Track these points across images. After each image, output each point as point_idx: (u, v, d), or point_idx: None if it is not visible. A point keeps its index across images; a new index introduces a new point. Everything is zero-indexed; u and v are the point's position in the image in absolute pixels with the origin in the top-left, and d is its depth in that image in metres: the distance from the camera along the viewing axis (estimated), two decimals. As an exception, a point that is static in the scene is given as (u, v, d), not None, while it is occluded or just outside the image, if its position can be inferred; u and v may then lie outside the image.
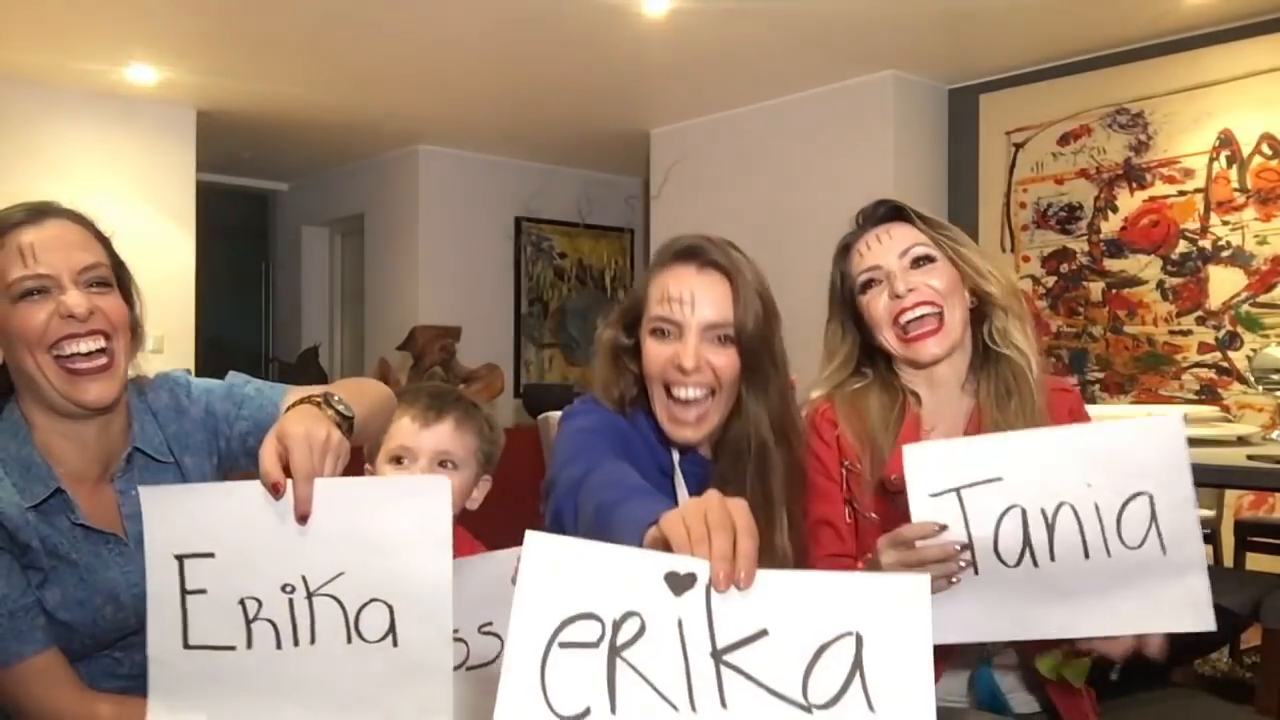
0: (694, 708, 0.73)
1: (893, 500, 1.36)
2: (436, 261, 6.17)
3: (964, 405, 1.48)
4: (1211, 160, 4.10)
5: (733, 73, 4.73)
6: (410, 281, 6.20)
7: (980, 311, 1.47)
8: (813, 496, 1.44)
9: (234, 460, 1.37)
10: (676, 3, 3.83)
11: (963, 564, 1.17)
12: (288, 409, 1.15)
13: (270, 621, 1.02)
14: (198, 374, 1.44)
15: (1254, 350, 3.33)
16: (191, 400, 1.36)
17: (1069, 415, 1.50)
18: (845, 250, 1.51)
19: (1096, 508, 1.15)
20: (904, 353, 1.45)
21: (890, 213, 1.49)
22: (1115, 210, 4.38)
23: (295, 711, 1.04)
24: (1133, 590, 1.17)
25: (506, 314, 6.53)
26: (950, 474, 1.16)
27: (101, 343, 1.22)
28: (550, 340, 6.75)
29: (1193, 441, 2.50)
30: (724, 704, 0.73)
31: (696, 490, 1.31)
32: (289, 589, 1.02)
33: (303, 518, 1.00)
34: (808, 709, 0.73)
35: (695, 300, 1.32)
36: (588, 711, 0.74)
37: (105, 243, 1.29)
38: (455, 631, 1.06)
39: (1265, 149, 3.97)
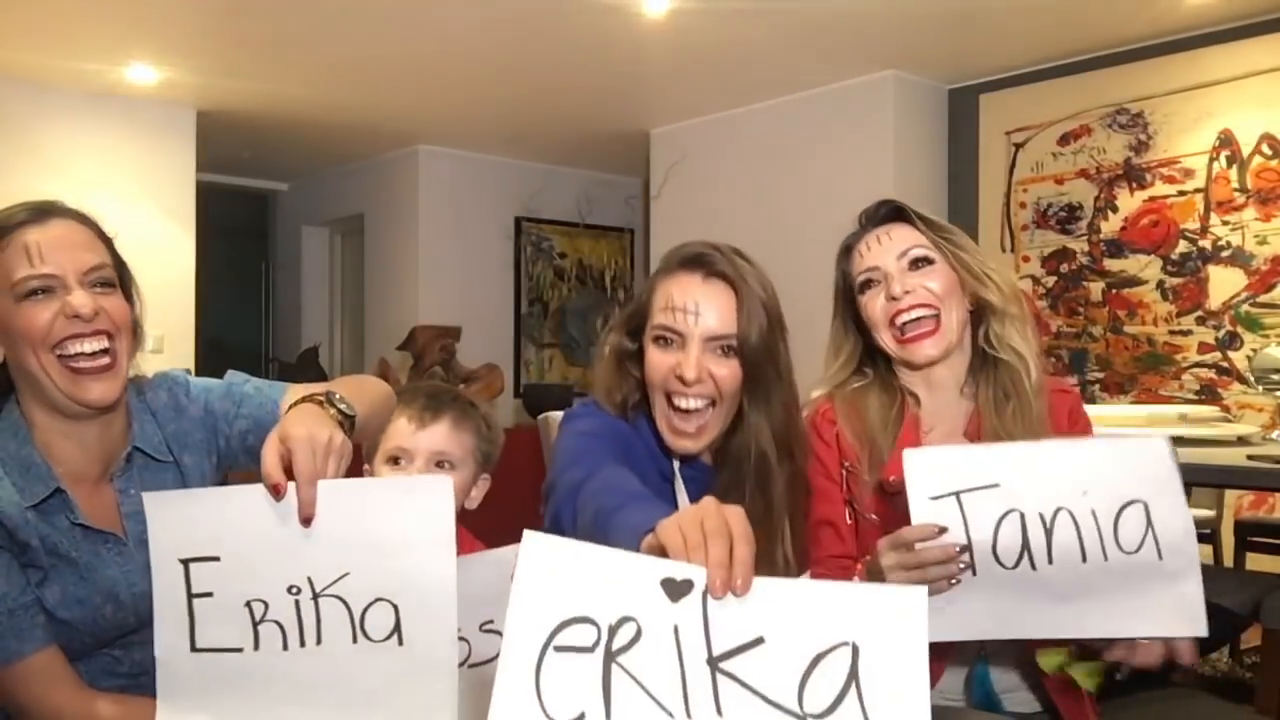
0: (689, 715, 0.73)
1: (892, 501, 1.36)
2: (436, 261, 6.17)
3: (963, 408, 1.48)
4: (1211, 160, 4.10)
5: (733, 73, 4.73)
6: (410, 281, 6.20)
7: (978, 315, 1.47)
8: (813, 497, 1.44)
9: (233, 459, 1.37)
10: (676, 3, 3.83)
11: (962, 565, 1.18)
12: (289, 407, 1.15)
13: (277, 623, 1.03)
14: (198, 374, 1.44)
15: (1254, 350, 3.33)
16: (190, 399, 1.36)
17: (1068, 417, 1.50)
18: (847, 251, 1.52)
19: (1094, 513, 1.16)
20: (900, 354, 1.45)
21: (891, 214, 1.49)
22: (1115, 210, 4.38)
23: (302, 711, 1.05)
24: (1128, 595, 1.18)
25: (506, 314, 6.53)
26: (950, 478, 1.17)
27: (105, 343, 1.22)
28: (550, 340, 6.75)
29: (1193, 441, 2.52)
30: (719, 711, 0.73)
31: (697, 497, 1.31)
32: (294, 590, 1.02)
33: (306, 520, 1.00)
34: (803, 718, 0.73)
35: (699, 310, 1.32)
36: (582, 717, 0.74)
37: (108, 243, 1.29)
38: (457, 630, 1.07)
39: (1265, 149, 3.97)
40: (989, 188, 4.80)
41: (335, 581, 1.02)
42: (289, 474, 1.01)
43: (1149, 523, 1.15)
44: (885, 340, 1.46)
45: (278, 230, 7.56)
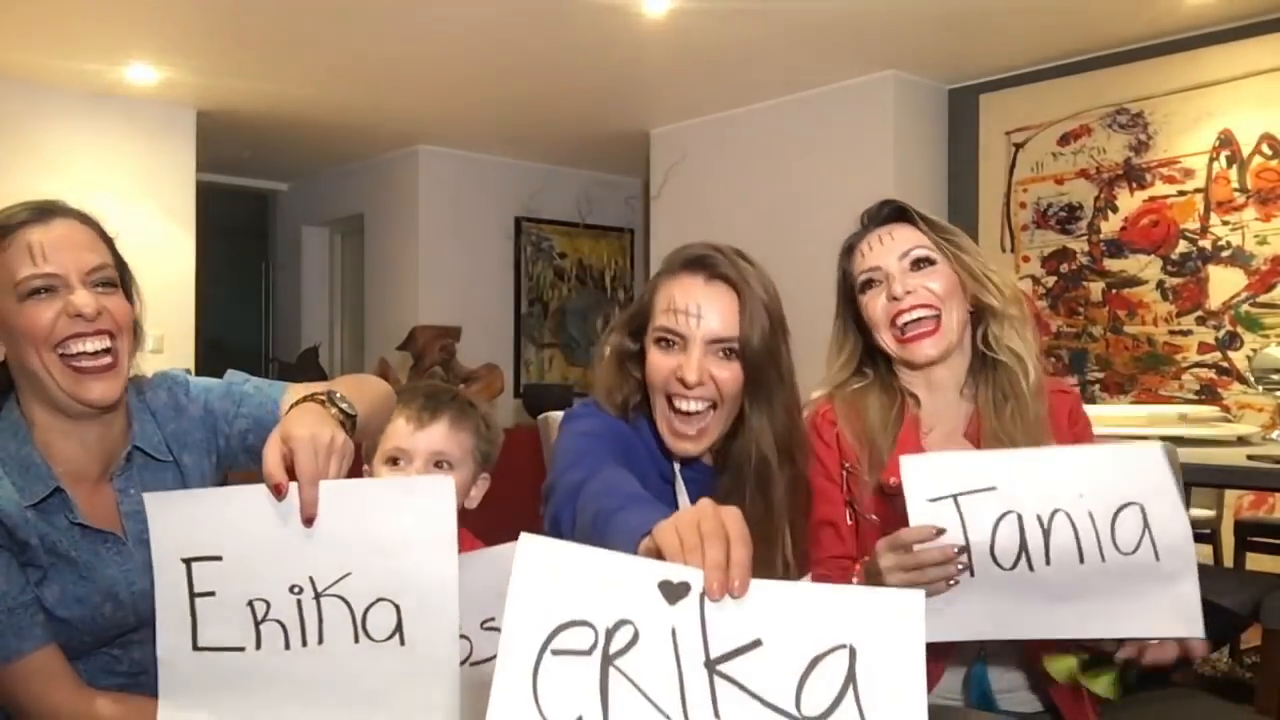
0: (687, 718, 0.73)
1: (891, 502, 1.36)
2: (436, 261, 6.17)
3: (963, 409, 1.48)
4: (1211, 160, 4.10)
5: (733, 73, 4.73)
6: (410, 281, 6.20)
7: (978, 316, 1.47)
8: (814, 498, 1.44)
9: (233, 458, 1.38)
10: (676, 3, 3.83)
11: (960, 567, 1.18)
12: (291, 407, 1.15)
13: (279, 622, 1.03)
14: (198, 374, 1.44)
15: (1254, 350, 3.33)
16: (190, 399, 1.36)
17: (1068, 417, 1.51)
18: (849, 250, 1.52)
19: (1090, 515, 1.17)
20: (900, 353, 1.46)
21: (894, 214, 1.49)
22: (1115, 210, 4.38)
23: (304, 710, 1.05)
24: (1126, 596, 1.19)
25: (506, 314, 6.53)
26: (947, 482, 1.18)
27: (107, 342, 1.23)
28: (550, 340, 6.75)
29: (1193, 441, 2.51)
30: (717, 714, 0.73)
31: (698, 498, 1.31)
32: (296, 590, 1.03)
33: (309, 520, 1.01)
34: None
35: (701, 312, 1.31)
36: None
37: (109, 243, 1.29)
38: (459, 629, 1.07)
39: (1265, 149, 3.97)
40: (989, 188, 4.80)
41: (337, 581, 1.03)
42: (291, 474, 1.01)
43: (1146, 524, 1.16)
44: (885, 340, 1.46)
45: (278, 230, 7.56)
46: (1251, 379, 3.04)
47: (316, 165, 6.74)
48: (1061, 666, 1.30)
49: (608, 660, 0.74)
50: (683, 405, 1.33)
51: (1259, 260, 3.98)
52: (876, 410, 1.46)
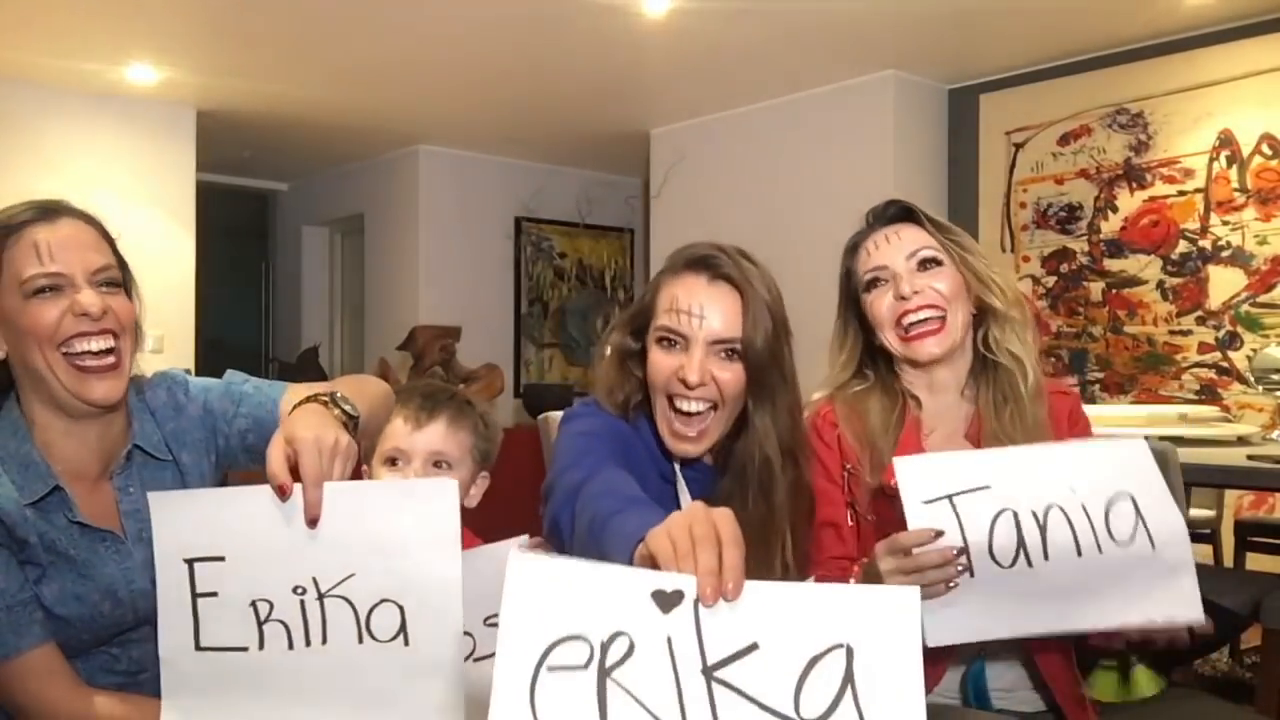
0: None
1: (892, 504, 1.36)
2: (436, 261, 6.17)
3: (963, 410, 1.48)
4: (1211, 160, 4.10)
5: (733, 73, 4.73)
6: (410, 281, 6.20)
7: (980, 318, 1.47)
8: (815, 499, 1.44)
9: (232, 458, 1.38)
10: (676, 3, 3.84)
11: (960, 568, 1.18)
12: (294, 407, 1.15)
13: (282, 623, 1.04)
14: (198, 374, 1.45)
15: (1254, 350, 3.33)
16: (189, 398, 1.37)
17: (1068, 419, 1.51)
18: (854, 247, 1.52)
19: (1085, 508, 1.18)
20: (903, 351, 1.45)
21: (900, 213, 1.49)
22: (1115, 210, 4.38)
23: (308, 711, 1.06)
24: (1125, 586, 1.20)
25: (506, 314, 6.53)
26: (942, 483, 1.19)
27: (111, 342, 1.23)
28: (550, 340, 6.75)
29: (1193, 441, 2.51)
30: None
31: (699, 497, 1.31)
32: (300, 591, 1.03)
33: (313, 522, 1.01)
34: None
35: (704, 313, 1.31)
36: None
37: (112, 243, 1.30)
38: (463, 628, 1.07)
39: (1265, 149, 3.97)
40: (989, 188, 4.80)
41: (340, 582, 1.03)
42: (295, 475, 1.01)
43: (1139, 515, 1.18)
44: (889, 338, 1.46)
45: (278, 230, 7.56)
46: (1251, 379, 3.04)
47: (316, 165, 6.74)
48: (1107, 686, 1.33)
49: (604, 673, 0.73)
50: (684, 405, 1.32)
51: (1259, 260, 3.98)
52: (878, 413, 1.46)
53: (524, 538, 1.39)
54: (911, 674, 0.72)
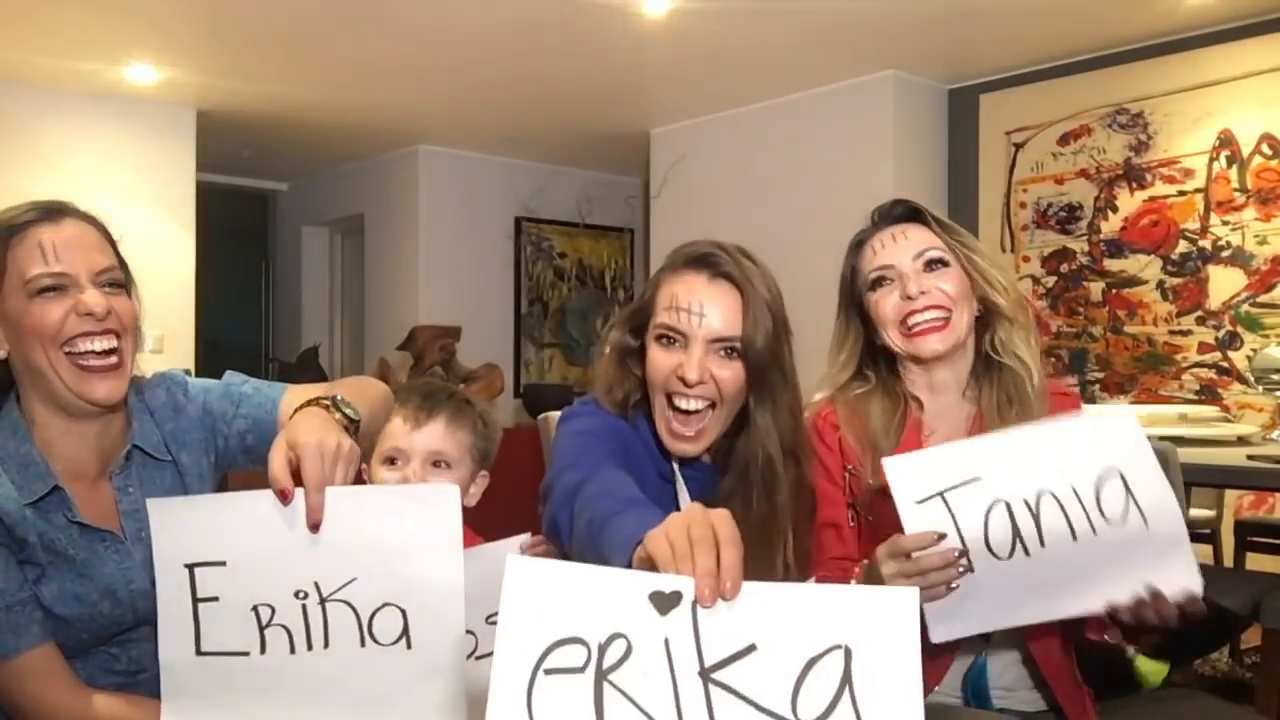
0: None
1: (892, 505, 1.36)
2: (436, 261, 6.17)
3: (965, 411, 1.48)
4: (1211, 160, 4.09)
5: (733, 73, 4.73)
6: (410, 281, 6.20)
7: (984, 320, 1.47)
8: (816, 500, 1.44)
9: (232, 459, 1.38)
10: (676, 3, 3.83)
11: (960, 568, 1.18)
12: (295, 411, 1.15)
13: (284, 627, 1.04)
14: (198, 374, 1.45)
15: (1254, 350, 3.34)
16: (189, 399, 1.37)
17: (1069, 420, 1.50)
18: (858, 245, 1.51)
19: (1075, 491, 1.18)
20: (906, 347, 1.45)
21: (907, 213, 1.49)
22: (1115, 210, 4.38)
23: (309, 713, 1.06)
24: (1123, 565, 1.20)
25: (506, 314, 6.53)
26: (932, 480, 1.19)
27: (113, 342, 1.23)
28: (550, 340, 6.74)
29: (1193, 441, 2.51)
30: None
31: (699, 496, 1.31)
32: (302, 595, 1.03)
33: (315, 526, 1.01)
34: None
35: (704, 311, 1.31)
36: None
37: (114, 244, 1.30)
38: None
39: (1265, 149, 3.97)
40: (989, 188, 4.80)
41: (342, 587, 1.03)
42: (297, 479, 1.01)
43: (1129, 492, 1.17)
44: (892, 336, 1.46)
45: (278, 230, 7.56)
46: (1251, 379, 3.04)
47: (316, 165, 6.74)
48: (1155, 673, 1.33)
49: (601, 676, 0.73)
50: (682, 404, 1.32)
51: (1259, 260, 3.98)
52: (879, 415, 1.45)
53: (525, 536, 1.39)
54: (910, 675, 0.72)
